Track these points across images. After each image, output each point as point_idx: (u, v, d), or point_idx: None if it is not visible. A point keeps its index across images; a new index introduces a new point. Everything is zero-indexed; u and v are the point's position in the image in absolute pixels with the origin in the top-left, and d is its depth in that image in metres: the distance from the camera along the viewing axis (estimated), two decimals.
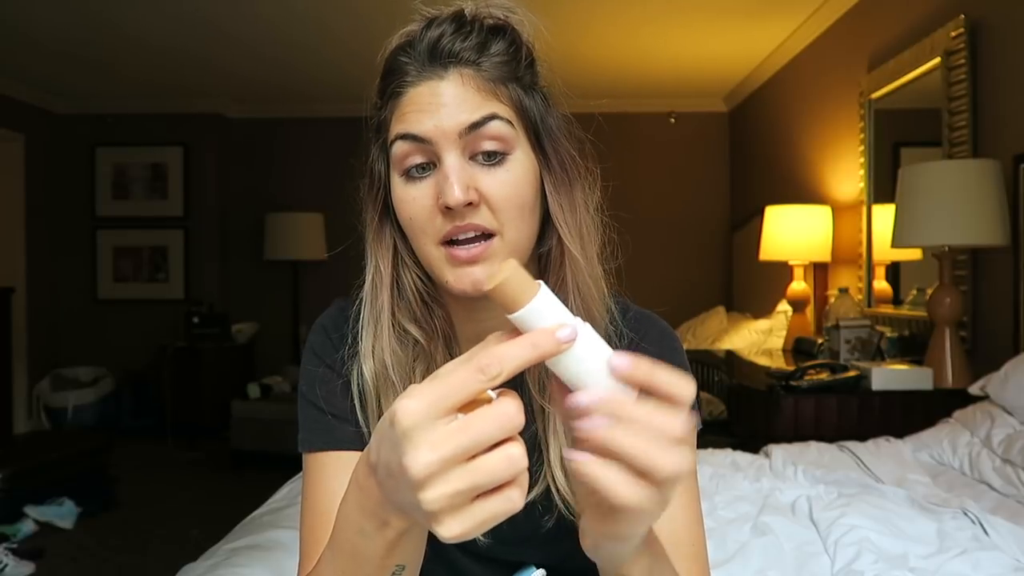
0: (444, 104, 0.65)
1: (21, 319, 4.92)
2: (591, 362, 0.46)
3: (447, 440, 0.41)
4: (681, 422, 0.44)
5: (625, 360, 0.45)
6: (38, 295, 5.16)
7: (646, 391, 0.45)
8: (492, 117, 0.65)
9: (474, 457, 0.42)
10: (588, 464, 0.44)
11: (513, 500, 0.43)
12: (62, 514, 3.25)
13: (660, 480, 0.44)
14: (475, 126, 0.65)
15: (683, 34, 4.01)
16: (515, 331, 0.46)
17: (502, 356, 0.43)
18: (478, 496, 0.42)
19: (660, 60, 4.46)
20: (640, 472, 0.44)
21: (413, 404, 0.42)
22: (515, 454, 0.42)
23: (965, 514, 1.37)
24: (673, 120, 5.40)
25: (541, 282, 0.46)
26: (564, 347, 0.45)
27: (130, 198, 5.44)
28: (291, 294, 5.45)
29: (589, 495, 0.50)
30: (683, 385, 0.45)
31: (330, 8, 3.59)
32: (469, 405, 0.43)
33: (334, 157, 5.22)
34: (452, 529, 0.42)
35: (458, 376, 0.43)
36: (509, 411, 0.42)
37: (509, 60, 0.68)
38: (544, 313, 0.46)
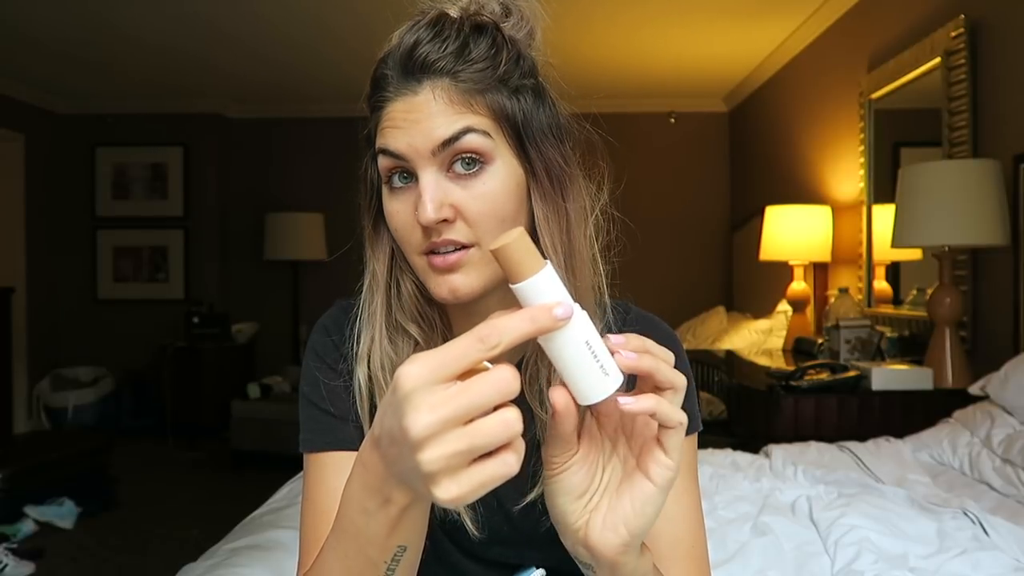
0: (416, 121, 0.64)
1: (21, 319, 4.92)
2: (582, 346, 0.49)
3: (446, 402, 0.43)
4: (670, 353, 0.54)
5: (621, 338, 0.51)
6: (38, 295, 5.16)
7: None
8: (466, 131, 0.64)
9: (472, 420, 0.43)
10: (642, 399, 0.51)
11: (509, 464, 0.44)
12: (62, 514, 3.25)
13: (680, 389, 0.53)
14: (448, 142, 0.64)
15: (683, 34, 4.01)
16: (516, 308, 0.48)
17: (501, 328, 0.45)
18: (475, 460, 0.44)
19: (660, 60, 4.46)
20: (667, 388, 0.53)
21: (415, 369, 0.44)
22: (511, 418, 0.43)
23: (965, 514, 1.37)
24: (673, 120, 5.40)
25: (548, 261, 0.49)
26: (559, 324, 0.47)
27: (130, 198, 5.44)
28: (291, 294, 5.45)
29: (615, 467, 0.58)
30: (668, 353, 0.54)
31: (330, 8, 3.59)
32: (467, 374, 0.44)
33: (334, 157, 5.23)
34: (449, 491, 0.43)
35: (458, 345, 0.45)
36: (506, 376, 0.43)
37: (488, 65, 0.65)
38: (545, 290, 0.48)
